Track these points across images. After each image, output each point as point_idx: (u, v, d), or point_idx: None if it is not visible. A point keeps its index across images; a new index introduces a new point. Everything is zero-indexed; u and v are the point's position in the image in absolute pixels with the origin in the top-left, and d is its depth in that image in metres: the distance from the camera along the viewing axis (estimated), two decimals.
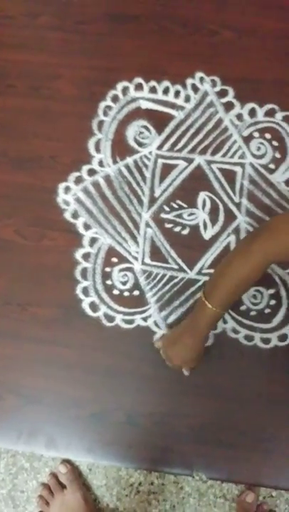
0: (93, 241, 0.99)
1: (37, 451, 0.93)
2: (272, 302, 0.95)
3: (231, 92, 1.02)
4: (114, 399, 0.94)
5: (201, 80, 1.03)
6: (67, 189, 1.01)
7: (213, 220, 0.99)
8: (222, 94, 1.02)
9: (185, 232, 0.99)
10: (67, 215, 1.00)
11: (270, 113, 1.01)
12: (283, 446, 0.91)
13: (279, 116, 1.01)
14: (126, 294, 0.98)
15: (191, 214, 0.99)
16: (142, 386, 0.95)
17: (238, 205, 0.99)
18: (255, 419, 0.92)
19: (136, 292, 0.98)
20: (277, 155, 1.00)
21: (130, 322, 0.97)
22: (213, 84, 1.03)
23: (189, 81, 1.03)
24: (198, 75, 1.03)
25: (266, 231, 0.73)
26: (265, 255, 0.71)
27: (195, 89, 1.03)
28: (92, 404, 0.94)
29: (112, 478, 0.98)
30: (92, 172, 1.01)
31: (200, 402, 0.93)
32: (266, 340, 0.94)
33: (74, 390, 0.95)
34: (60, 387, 0.95)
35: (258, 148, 1.00)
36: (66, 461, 1.00)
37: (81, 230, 1.00)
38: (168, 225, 0.99)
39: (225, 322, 0.95)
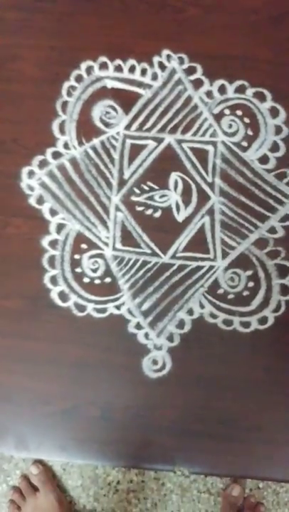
0: (60, 227, 0.94)
1: (6, 452, 0.87)
2: (251, 284, 0.91)
3: (200, 69, 0.98)
4: (87, 393, 0.89)
5: (168, 57, 0.99)
6: (31, 173, 0.95)
7: (186, 202, 0.94)
8: (190, 71, 0.98)
9: (157, 214, 0.94)
10: (32, 201, 0.94)
11: (240, 89, 0.97)
12: (268, 434, 0.87)
13: (249, 92, 0.97)
14: (97, 281, 0.92)
15: (162, 196, 0.94)
16: (117, 378, 0.89)
17: (211, 185, 0.94)
18: (238, 407, 0.88)
19: (107, 279, 0.92)
20: (250, 132, 0.96)
21: (102, 311, 0.91)
22: (181, 61, 0.99)
23: (156, 59, 0.99)
24: (165, 52, 0.99)
25: None
26: None
27: (162, 67, 0.99)
28: (63, 399, 0.88)
29: (88, 478, 0.92)
30: (57, 155, 0.96)
31: (179, 392, 0.88)
32: (246, 324, 0.90)
33: (44, 386, 0.89)
34: (29, 384, 0.89)
35: (230, 126, 0.96)
36: (38, 462, 0.93)
37: (47, 216, 0.94)
38: (139, 208, 0.94)
39: (202, 307, 0.90)
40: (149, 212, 0.94)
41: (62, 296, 0.92)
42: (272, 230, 0.92)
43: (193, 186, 0.94)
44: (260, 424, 0.87)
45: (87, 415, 0.87)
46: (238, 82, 0.97)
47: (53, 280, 0.92)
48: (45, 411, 0.88)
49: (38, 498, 0.89)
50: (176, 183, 0.94)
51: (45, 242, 0.93)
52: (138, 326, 0.90)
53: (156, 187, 0.94)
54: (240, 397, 0.88)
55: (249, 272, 0.91)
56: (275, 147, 0.95)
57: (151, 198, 0.94)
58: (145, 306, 0.91)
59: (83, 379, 0.89)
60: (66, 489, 0.92)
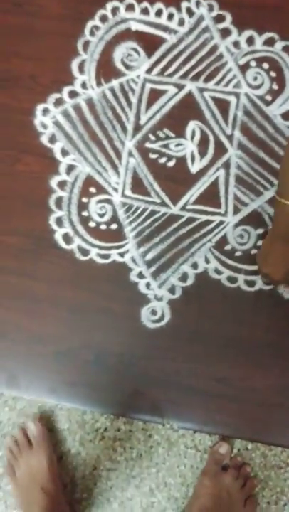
0: (70, 168, 0.91)
1: None
2: (260, 243, 0.88)
3: (229, 18, 0.94)
4: (82, 337, 0.87)
5: (198, 3, 0.95)
6: (45, 111, 0.93)
7: (202, 153, 0.91)
8: (219, 19, 0.94)
9: (171, 164, 0.91)
10: (44, 139, 0.92)
11: (269, 42, 0.93)
12: (261, 396, 0.84)
13: (279, 45, 0.93)
14: (103, 227, 0.90)
15: (178, 144, 0.91)
16: (113, 325, 0.87)
17: (229, 138, 0.91)
18: (234, 366, 0.85)
19: (114, 226, 0.90)
20: (275, 86, 0.92)
21: (106, 257, 0.89)
22: (210, 8, 0.94)
23: (184, 4, 0.95)
24: None
25: None
26: None
27: (190, 12, 0.95)
28: (58, 341, 0.87)
29: (76, 422, 0.91)
30: (73, 94, 0.93)
31: (175, 345, 0.86)
32: (250, 283, 0.87)
33: (40, 326, 0.88)
34: (25, 322, 0.88)
35: (255, 78, 0.92)
36: (37, 419, 0.93)
37: (58, 156, 0.92)
38: (152, 156, 0.91)
39: (207, 262, 0.88)
40: (162, 160, 0.91)
41: (67, 239, 0.90)
42: None
43: (211, 137, 0.91)
44: (254, 385, 0.84)
45: (80, 359, 0.86)
46: (268, 34, 0.93)
47: (59, 221, 0.90)
48: (38, 351, 0.87)
49: (31, 455, 0.88)
50: (193, 132, 0.91)
51: (53, 183, 0.91)
52: (140, 275, 0.88)
53: (172, 135, 0.91)
54: (236, 357, 0.85)
55: (260, 231, 0.88)
56: None
57: (166, 146, 0.91)
58: (149, 256, 0.89)
59: (80, 322, 0.87)
60: (52, 430, 0.92)
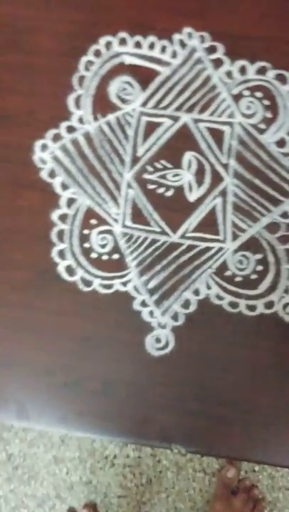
0: (71, 202, 0.94)
1: (7, 421, 0.88)
2: (259, 268, 0.90)
3: (221, 49, 0.96)
4: (89, 367, 0.89)
5: (189, 35, 0.97)
6: (44, 147, 0.95)
7: (199, 182, 0.93)
8: (211, 50, 0.97)
9: (169, 193, 0.93)
10: (44, 175, 0.94)
11: (261, 71, 0.95)
12: (267, 418, 0.86)
13: (271, 74, 0.95)
14: (105, 257, 0.92)
15: (175, 175, 0.94)
16: (119, 354, 0.89)
17: (225, 167, 0.93)
18: (238, 389, 0.87)
19: (115, 256, 0.92)
20: (268, 114, 0.94)
21: (109, 287, 0.91)
22: (202, 40, 0.97)
23: (176, 36, 0.97)
24: (186, 30, 0.97)
25: None
26: None
27: (182, 44, 0.97)
28: (65, 372, 0.89)
29: (86, 450, 0.93)
30: (71, 129, 0.95)
31: (180, 370, 0.88)
32: (252, 308, 0.89)
33: (47, 357, 0.90)
34: (32, 354, 0.90)
35: (248, 107, 0.95)
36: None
37: (58, 190, 0.94)
38: (151, 186, 0.93)
39: (209, 288, 0.90)
40: (160, 190, 0.93)
41: (70, 270, 0.92)
42: (284, 215, 0.91)
43: (207, 167, 0.93)
44: (260, 407, 0.86)
45: (88, 389, 0.88)
46: (260, 64, 0.95)
47: (61, 254, 0.92)
48: (47, 382, 0.89)
49: None
50: (189, 162, 0.93)
51: (54, 216, 0.93)
52: (143, 304, 0.90)
53: (169, 165, 0.93)
54: (241, 380, 0.87)
55: (258, 256, 0.90)
56: None
57: (163, 177, 0.93)
58: (151, 284, 0.91)
59: (86, 353, 0.90)
60: (63, 460, 0.93)
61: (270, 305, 0.89)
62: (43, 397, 0.89)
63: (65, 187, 0.94)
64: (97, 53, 0.98)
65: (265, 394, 0.87)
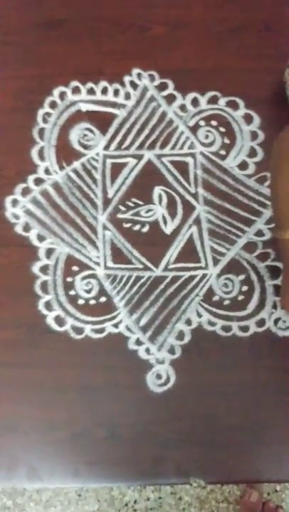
0: (50, 252, 0.94)
1: (18, 484, 0.85)
2: (245, 288, 0.92)
3: (171, 85, 1.00)
4: (93, 415, 0.88)
5: (139, 75, 1.01)
6: (14, 202, 0.95)
7: (172, 214, 0.95)
8: (162, 87, 1.00)
9: (145, 229, 0.95)
10: (19, 229, 0.94)
11: (212, 100, 0.99)
12: (279, 434, 0.87)
13: (222, 102, 0.99)
14: (92, 302, 0.92)
15: (148, 210, 0.95)
16: (121, 396, 0.88)
17: (194, 196, 0.96)
18: (245, 411, 0.88)
19: (102, 299, 0.92)
20: (226, 140, 0.98)
21: (100, 331, 0.91)
22: (152, 78, 1.01)
23: (127, 78, 1.01)
24: (135, 71, 1.01)
25: (280, 153, 0.76)
26: None
27: (134, 85, 1.01)
28: (70, 424, 0.87)
29: (105, 501, 0.90)
30: (39, 181, 0.96)
31: (185, 403, 0.88)
32: (244, 328, 0.90)
33: (49, 412, 0.88)
34: (35, 411, 0.88)
35: (206, 137, 0.98)
36: None
37: (35, 242, 0.94)
38: (126, 225, 0.95)
39: (199, 316, 0.91)
40: (136, 227, 0.94)
41: (59, 321, 0.91)
42: (259, 233, 0.94)
43: (178, 198, 0.95)
44: (268, 426, 0.87)
45: (96, 437, 0.86)
46: (210, 93, 1.00)
47: (48, 305, 0.92)
48: (53, 437, 0.86)
49: None
50: (160, 196, 0.95)
51: (35, 269, 0.93)
52: (138, 342, 0.90)
53: (141, 202, 0.95)
54: (244, 402, 0.88)
55: (242, 277, 0.92)
56: (252, 153, 0.97)
57: (137, 214, 0.95)
58: (143, 321, 0.91)
59: (88, 402, 0.88)
60: None
61: (261, 323, 0.90)
62: (52, 454, 0.86)
63: (41, 238, 0.94)
64: (53, 104, 1.00)
65: (271, 412, 0.87)
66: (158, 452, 0.86)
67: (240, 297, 0.91)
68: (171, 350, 0.90)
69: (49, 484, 0.86)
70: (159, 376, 0.89)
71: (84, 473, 0.85)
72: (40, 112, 0.99)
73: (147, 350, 0.90)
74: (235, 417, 0.87)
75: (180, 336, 0.90)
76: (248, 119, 0.98)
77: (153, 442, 0.86)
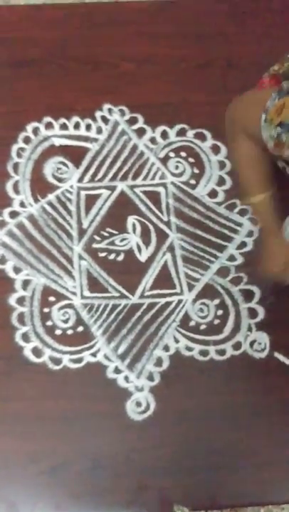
0: (26, 283, 0.94)
1: None
2: (220, 312, 0.93)
3: (141, 119, 1.04)
4: (74, 446, 0.87)
5: (110, 111, 1.04)
6: None
7: (146, 242, 0.97)
8: (132, 121, 1.04)
9: (120, 258, 0.96)
10: None
11: (181, 132, 1.03)
12: (259, 458, 0.87)
13: (190, 134, 1.03)
14: (69, 332, 0.92)
15: (123, 239, 0.97)
16: (102, 426, 0.88)
17: (167, 224, 0.98)
18: (225, 435, 0.88)
19: (80, 328, 0.92)
20: (196, 170, 1.01)
21: (79, 361, 0.91)
22: (122, 113, 1.04)
23: (98, 113, 1.04)
24: (106, 106, 1.05)
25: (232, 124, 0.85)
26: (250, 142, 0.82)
27: (105, 120, 1.04)
28: (52, 456, 0.86)
29: None
30: (14, 214, 0.98)
31: (166, 430, 0.88)
32: (221, 352, 0.92)
33: (30, 445, 0.86)
34: (14, 445, 0.86)
35: (176, 167, 1.02)
36: None
37: (11, 274, 0.94)
38: (102, 254, 0.96)
39: (177, 341, 0.92)
40: (112, 256, 0.96)
41: (36, 352, 0.91)
42: (231, 258, 0.96)
43: (151, 227, 0.98)
44: (248, 448, 0.87)
45: (78, 468, 0.85)
46: (179, 126, 1.04)
47: (25, 337, 0.91)
48: (34, 470, 0.85)
49: None
50: (134, 225, 0.98)
51: (12, 300, 0.93)
52: (117, 370, 0.90)
53: (115, 232, 0.97)
54: (224, 426, 0.88)
55: (216, 301, 0.94)
56: (221, 181, 1.01)
57: (112, 243, 0.97)
58: (121, 349, 0.91)
59: (69, 432, 0.87)
60: None
61: (238, 346, 0.92)
62: (33, 489, 0.85)
63: (17, 270, 0.95)
64: (27, 140, 1.02)
65: (251, 434, 0.88)
66: (141, 481, 0.85)
67: (216, 321, 0.93)
68: (150, 377, 0.90)
69: None
70: (138, 404, 0.89)
71: (67, 507, 0.84)
72: (15, 147, 1.01)
73: (126, 378, 0.90)
74: (215, 441, 0.88)
75: (158, 362, 0.91)
76: (216, 149, 1.02)
77: (136, 471, 0.86)
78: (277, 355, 0.91)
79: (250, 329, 0.93)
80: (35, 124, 1.03)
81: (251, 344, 0.92)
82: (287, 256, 0.85)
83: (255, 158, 0.81)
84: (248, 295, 0.94)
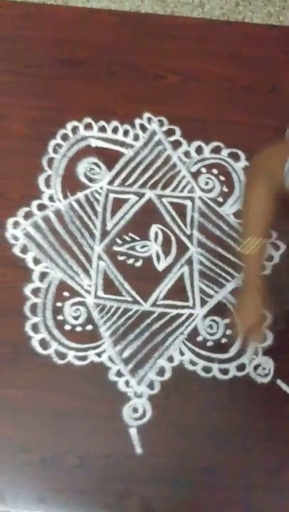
0: (43, 276, 0.96)
1: None
2: (229, 332, 0.94)
3: (178, 131, 1.05)
4: (66, 441, 0.88)
5: (149, 120, 1.06)
6: (16, 224, 0.99)
7: (166, 252, 0.98)
8: (169, 133, 1.05)
9: (138, 264, 0.97)
10: (16, 250, 0.97)
11: (216, 150, 1.04)
12: (250, 480, 0.86)
13: (224, 152, 1.04)
14: (78, 329, 0.94)
15: (143, 246, 0.98)
16: (96, 426, 0.89)
17: (189, 237, 0.99)
18: (218, 454, 0.88)
19: (89, 327, 0.94)
20: (225, 189, 1.02)
21: (83, 358, 0.92)
22: (161, 124, 1.06)
23: (138, 121, 1.06)
24: (146, 115, 1.06)
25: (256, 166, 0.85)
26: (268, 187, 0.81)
27: (143, 128, 1.06)
28: (42, 448, 0.87)
29: None
30: (42, 207, 1.00)
31: (158, 440, 0.88)
32: (224, 371, 0.91)
33: (22, 434, 0.88)
34: (7, 431, 0.88)
35: (206, 183, 1.03)
36: None
37: (30, 264, 0.96)
38: (121, 258, 0.97)
39: (182, 354, 0.92)
40: (130, 261, 0.97)
41: (43, 344, 0.92)
42: None
43: (173, 238, 0.99)
44: (240, 470, 0.87)
45: (66, 464, 0.86)
46: (214, 143, 1.05)
47: (35, 327, 0.93)
48: (23, 459, 0.86)
49: None
50: (156, 234, 0.99)
51: (27, 290, 0.95)
52: (119, 374, 0.91)
53: (137, 238, 0.98)
54: (219, 445, 0.88)
55: (227, 320, 0.94)
56: None
57: (132, 248, 0.98)
58: (126, 354, 0.92)
59: (62, 427, 0.88)
60: None
61: (242, 367, 0.91)
62: (20, 477, 0.86)
63: (37, 261, 0.96)
64: (65, 137, 1.04)
65: (244, 457, 0.88)
66: (127, 486, 0.85)
67: (224, 340, 0.93)
68: (151, 386, 0.91)
69: (12, 508, 0.85)
70: (135, 410, 0.89)
71: (49, 501, 0.85)
72: (52, 143, 1.04)
73: (127, 383, 0.91)
74: (207, 458, 0.87)
75: (161, 372, 0.91)
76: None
77: (122, 476, 0.86)
78: (280, 382, 0.90)
79: (256, 353, 0.92)
80: (75, 123, 1.05)
81: (255, 368, 0.92)
82: (258, 314, 0.85)
83: (267, 203, 0.81)
84: None
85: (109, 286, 0.96)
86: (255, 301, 0.84)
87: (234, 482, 0.86)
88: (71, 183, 1.01)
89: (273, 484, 0.87)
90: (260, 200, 0.81)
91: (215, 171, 1.03)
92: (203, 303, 0.95)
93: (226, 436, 0.89)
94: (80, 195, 1.01)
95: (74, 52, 1.09)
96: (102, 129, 1.05)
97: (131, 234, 0.99)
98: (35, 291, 0.95)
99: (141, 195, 1.01)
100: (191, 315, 0.95)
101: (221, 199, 1.02)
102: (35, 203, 1.00)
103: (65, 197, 1.00)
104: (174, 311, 0.95)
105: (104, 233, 0.99)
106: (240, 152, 1.04)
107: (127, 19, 1.14)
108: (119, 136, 1.05)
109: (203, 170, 1.03)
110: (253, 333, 0.86)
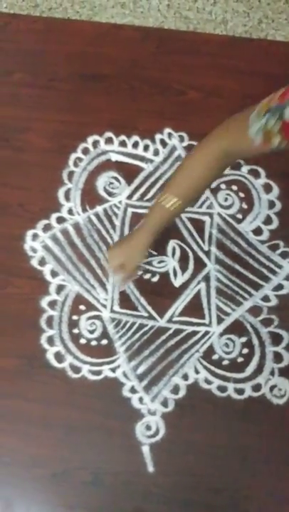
0: (60, 288, 0.96)
1: None
2: (245, 351, 0.92)
3: None
4: (78, 457, 0.87)
5: (170, 135, 1.06)
6: (35, 236, 0.99)
7: (183, 268, 0.98)
8: (189, 148, 1.05)
9: (155, 279, 0.97)
10: (34, 262, 0.98)
11: (235, 166, 1.04)
12: (261, 504, 0.85)
13: (244, 169, 1.04)
14: (93, 343, 0.93)
15: (161, 261, 0.98)
16: (109, 443, 0.88)
17: (207, 253, 0.98)
18: (230, 475, 0.86)
19: (104, 341, 0.93)
20: (244, 205, 1.02)
21: (97, 373, 0.92)
22: (181, 139, 1.06)
23: (158, 136, 1.06)
24: (167, 130, 1.06)
25: (222, 129, 0.85)
26: (220, 149, 0.82)
27: (163, 143, 1.06)
28: (54, 463, 0.87)
29: None
30: (61, 220, 1.00)
31: (171, 458, 0.87)
32: (240, 391, 0.90)
33: (35, 448, 0.87)
34: (21, 445, 0.88)
35: (226, 199, 1.02)
36: None
37: (48, 277, 0.97)
38: (138, 272, 0.97)
39: (197, 372, 0.91)
40: (147, 276, 0.97)
41: (58, 357, 0.92)
42: (265, 299, 0.95)
43: (190, 253, 0.98)
44: (252, 493, 0.85)
45: (77, 480, 0.85)
46: None
47: (50, 340, 0.93)
48: (34, 474, 0.86)
49: None
50: (174, 249, 0.98)
51: (44, 303, 0.95)
52: (133, 390, 0.91)
53: (154, 253, 0.98)
54: (231, 466, 0.87)
55: (243, 339, 0.93)
56: (268, 220, 1.00)
57: (149, 263, 0.97)
58: (140, 370, 0.92)
59: (75, 442, 0.88)
60: None
61: (257, 388, 0.90)
62: (31, 491, 0.85)
63: (54, 274, 0.97)
64: (86, 151, 1.05)
65: (257, 480, 0.86)
66: (137, 504, 0.84)
67: (240, 359, 0.92)
68: (164, 403, 0.90)
69: None
70: (148, 427, 0.88)
71: None
72: (73, 156, 1.04)
73: (140, 400, 0.90)
74: (217, 479, 0.86)
75: (175, 389, 0.91)
76: (268, 188, 1.02)
77: (133, 494, 0.85)
78: None
79: (272, 373, 0.91)
80: (96, 137, 1.06)
81: (271, 388, 0.90)
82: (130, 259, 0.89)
83: (203, 169, 0.80)
84: (276, 338, 0.93)
85: (125, 301, 0.96)
86: (137, 246, 0.87)
87: (246, 506, 0.85)
88: (90, 197, 1.02)
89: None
90: (196, 163, 0.81)
91: (234, 188, 1.03)
92: (219, 320, 0.94)
93: (238, 457, 0.87)
94: (99, 208, 1.01)
95: (97, 67, 1.10)
96: (123, 144, 1.06)
97: (148, 249, 0.98)
98: (52, 304, 0.95)
99: None
100: (207, 332, 0.94)
101: (240, 216, 1.01)
102: (54, 216, 1.00)
103: (84, 210, 1.01)
104: (190, 328, 0.94)
105: None
106: (260, 169, 1.03)
107: (150, 35, 1.14)
108: (140, 151, 1.05)
109: (223, 186, 1.03)
110: (119, 273, 0.90)
